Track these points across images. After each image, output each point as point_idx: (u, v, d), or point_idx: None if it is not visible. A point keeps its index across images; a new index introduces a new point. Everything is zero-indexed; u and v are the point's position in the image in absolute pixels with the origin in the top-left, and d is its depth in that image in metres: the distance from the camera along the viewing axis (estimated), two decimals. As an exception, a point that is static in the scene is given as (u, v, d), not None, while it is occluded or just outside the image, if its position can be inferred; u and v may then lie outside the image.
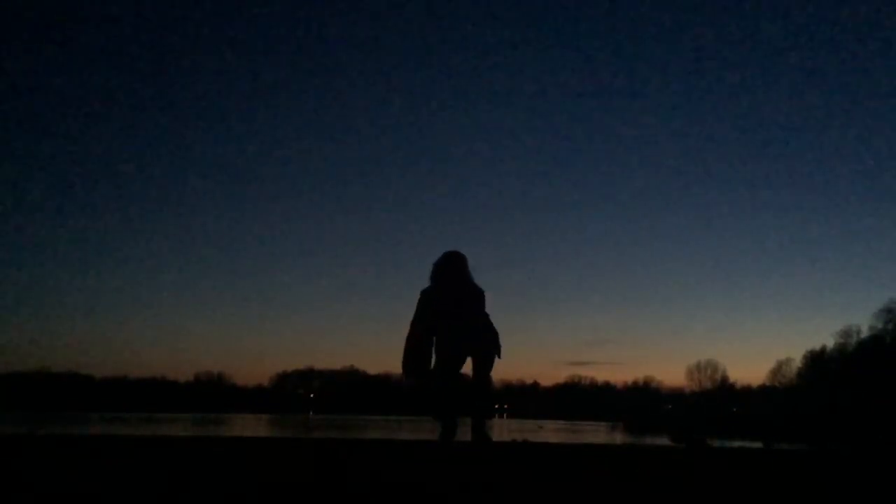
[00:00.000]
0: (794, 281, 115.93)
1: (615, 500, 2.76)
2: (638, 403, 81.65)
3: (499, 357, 5.92)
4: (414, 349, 5.78)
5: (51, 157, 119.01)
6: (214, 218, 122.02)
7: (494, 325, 5.97)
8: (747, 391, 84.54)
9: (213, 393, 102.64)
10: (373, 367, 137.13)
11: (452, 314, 5.75)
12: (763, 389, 79.13)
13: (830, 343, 63.12)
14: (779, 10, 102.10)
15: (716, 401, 76.66)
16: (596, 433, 37.06)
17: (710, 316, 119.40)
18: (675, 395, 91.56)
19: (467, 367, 5.87)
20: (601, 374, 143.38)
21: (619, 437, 31.23)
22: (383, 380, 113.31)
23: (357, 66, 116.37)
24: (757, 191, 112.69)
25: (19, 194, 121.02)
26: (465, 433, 5.79)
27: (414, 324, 5.81)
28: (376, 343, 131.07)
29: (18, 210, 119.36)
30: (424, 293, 5.86)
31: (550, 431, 36.39)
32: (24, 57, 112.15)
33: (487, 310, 5.96)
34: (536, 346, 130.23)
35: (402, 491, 2.81)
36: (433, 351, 5.81)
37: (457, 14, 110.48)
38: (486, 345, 5.85)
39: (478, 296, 5.90)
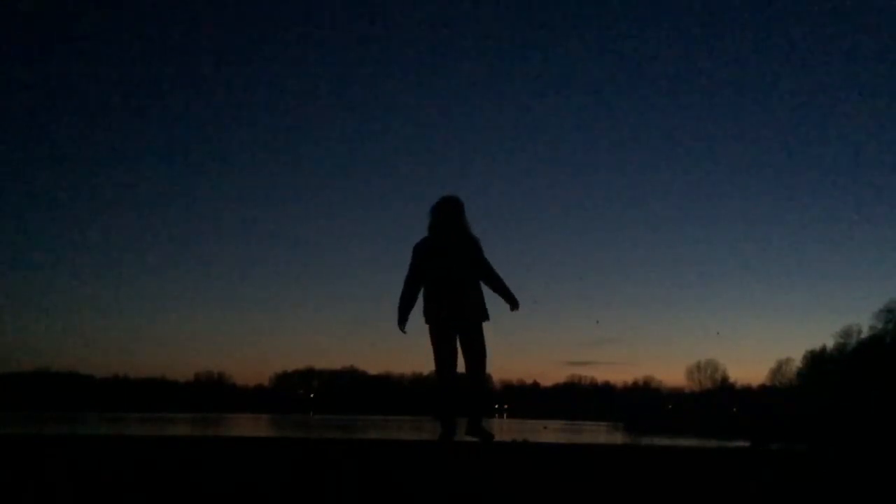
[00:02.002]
0: (794, 281, 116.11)
1: (614, 499, 2.75)
2: (638, 403, 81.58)
3: (486, 319, 5.72)
4: (405, 309, 5.73)
5: (51, 158, 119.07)
6: (215, 218, 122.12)
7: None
8: (747, 391, 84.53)
9: (213, 393, 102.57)
10: (373, 367, 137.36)
11: (441, 266, 5.63)
12: (763, 389, 79.09)
13: (830, 343, 63.11)
14: (781, 11, 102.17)
15: (716, 401, 76.61)
16: (596, 433, 37.05)
17: (710, 316, 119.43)
18: (675, 395, 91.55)
19: (462, 367, 5.80)
20: (601, 374, 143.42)
21: (619, 437, 31.22)
22: (383, 380, 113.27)
23: (357, 67, 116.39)
24: (757, 191, 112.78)
25: (19, 194, 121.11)
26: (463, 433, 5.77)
27: (406, 282, 5.74)
28: (376, 343, 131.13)
29: (19, 210, 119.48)
30: (415, 247, 5.78)
31: (551, 431, 36.37)
32: (26, 58, 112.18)
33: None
34: (536, 346, 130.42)
35: (402, 491, 2.80)
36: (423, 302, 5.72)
37: (457, 14, 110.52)
38: (473, 307, 5.64)
39: (470, 245, 5.72)
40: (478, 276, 5.75)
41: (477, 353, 5.69)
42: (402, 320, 5.74)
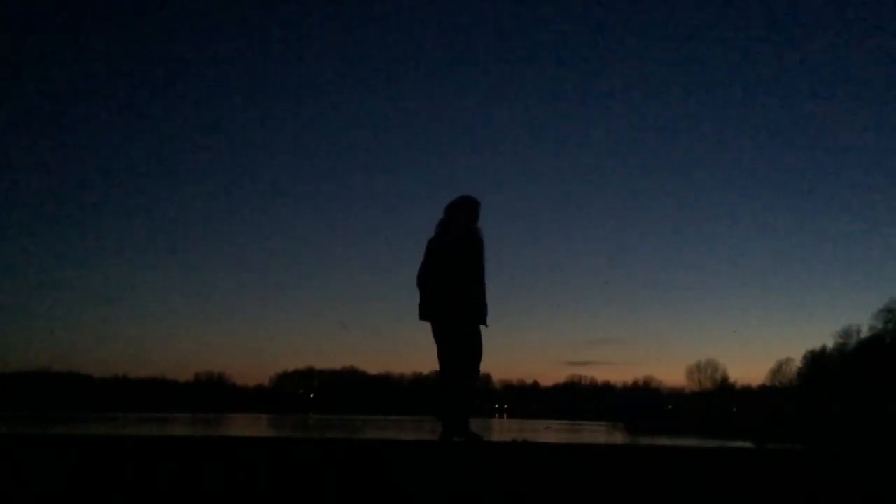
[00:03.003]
0: (794, 281, 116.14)
1: (614, 499, 2.75)
2: (638, 403, 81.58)
3: (484, 325, 5.68)
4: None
5: (51, 158, 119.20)
6: (215, 218, 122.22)
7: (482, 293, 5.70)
8: (747, 391, 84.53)
9: (213, 393, 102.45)
10: (373, 367, 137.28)
11: (441, 264, 5.65)
12: (763, 389, 79.11)
13: (830, 343, 63.18)
14: (781, 11, 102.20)
15: (716, 401, 76.61)
16: (596, 433, 37.05)
17: (710, 316, 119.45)
18: (675, 395, 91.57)
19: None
20: (601, 374, 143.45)
21: (619, 437, 31.21)
22: (383, 380, 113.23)
23: (358, 67, 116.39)
24: (757, 191, 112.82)
25: (19, 194, 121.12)
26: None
27: (417, 276, 5.78)
28: (376, 343, 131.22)
29: (18, 210, 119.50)
30: (427, 242, 5.83)
31: (553, 431, 36.34)
32: (25, 58, 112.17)
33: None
34: (536, 346, 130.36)
35: (402, 492, 2.80)
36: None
37: (457, 13, 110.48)
38: (467, 307, 5.59)
39: (470, 245, 5.67)
40: (475, 277, 5.71)
41: (469, 354, 5.64)
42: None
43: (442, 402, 5.70)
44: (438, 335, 5.68)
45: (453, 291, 5.61)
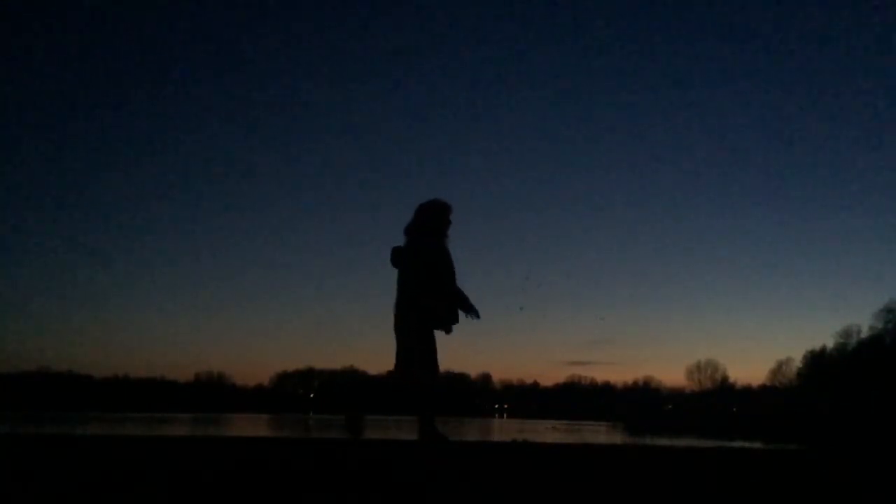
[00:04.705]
0: (794, 281, 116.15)
1: (614, 499, 2.75)
2: (638, 403, 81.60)
3: (446, 331, 5.65)
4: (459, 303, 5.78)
5: (50, 157, 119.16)
6: (214, 218, 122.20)
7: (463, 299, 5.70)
8: (747, 391, 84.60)
9: (213, 393, 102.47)
10: (373, 367, 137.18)
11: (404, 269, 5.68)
12: (763, 389, 79.18)
13: (830, 343, 63.21)
14: (781, 11, 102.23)
15: (716, 401, 76.67)
16: (596, 433, 37.04)
17: (710, 316, 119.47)
18: (675, 395, 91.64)
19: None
20: (601, 374, 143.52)
21: (619, 437, 31.21)
22: (383, 380, 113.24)
23: (356, 65, 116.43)
24: (757, 191, 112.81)
25: (19, 194, 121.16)
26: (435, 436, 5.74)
27: None
28: (376, 343, 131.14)
29: (18, 209, 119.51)
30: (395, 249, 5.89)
31: (554, 431, 36.31)
32: (23, 57, 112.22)
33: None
34: (536, 346, 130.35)
35: (402, 491, 2.80)
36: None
37: (455, 11, 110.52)
38: (400, 308, 5.63)
39: (411, 248, 5.65)
40: (413, 280, 5.65)
41: (403, 353, 5.66)
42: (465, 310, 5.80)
43: (411, 402, 5.72)
44: (399, 335, 5.70)
45: (399, 294, 5.64)
